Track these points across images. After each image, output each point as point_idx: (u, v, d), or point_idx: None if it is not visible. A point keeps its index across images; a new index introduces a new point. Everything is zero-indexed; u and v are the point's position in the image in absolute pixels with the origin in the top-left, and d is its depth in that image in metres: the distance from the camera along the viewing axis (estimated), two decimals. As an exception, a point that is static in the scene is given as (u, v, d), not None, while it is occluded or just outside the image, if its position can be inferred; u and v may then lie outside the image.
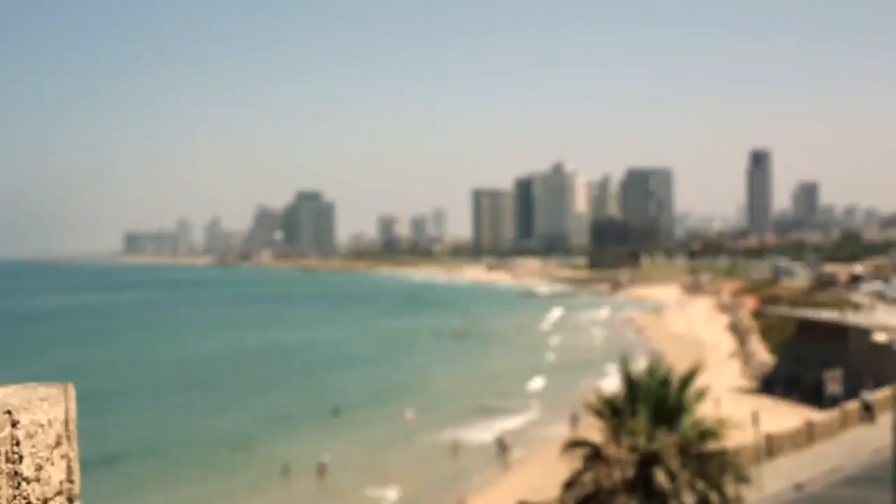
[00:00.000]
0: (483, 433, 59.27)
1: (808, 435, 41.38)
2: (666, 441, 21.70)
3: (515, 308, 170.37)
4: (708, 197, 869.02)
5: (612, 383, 55.59)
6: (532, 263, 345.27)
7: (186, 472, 51.24)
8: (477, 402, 70.81)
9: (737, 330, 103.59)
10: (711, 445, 22.39)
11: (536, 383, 79.54)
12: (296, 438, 58.85)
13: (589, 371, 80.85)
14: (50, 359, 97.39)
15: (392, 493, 46.72)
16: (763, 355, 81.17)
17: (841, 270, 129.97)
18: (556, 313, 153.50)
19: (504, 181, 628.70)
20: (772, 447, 38.71)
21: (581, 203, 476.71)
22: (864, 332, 61.01)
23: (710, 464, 22.04)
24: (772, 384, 68.53)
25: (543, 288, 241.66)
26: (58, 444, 2.50)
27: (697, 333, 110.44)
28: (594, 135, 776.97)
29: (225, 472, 51.43)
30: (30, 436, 2.41)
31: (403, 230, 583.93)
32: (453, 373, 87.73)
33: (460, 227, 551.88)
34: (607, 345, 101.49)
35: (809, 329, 71.18)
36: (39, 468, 2.44)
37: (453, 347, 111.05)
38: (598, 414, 23.32)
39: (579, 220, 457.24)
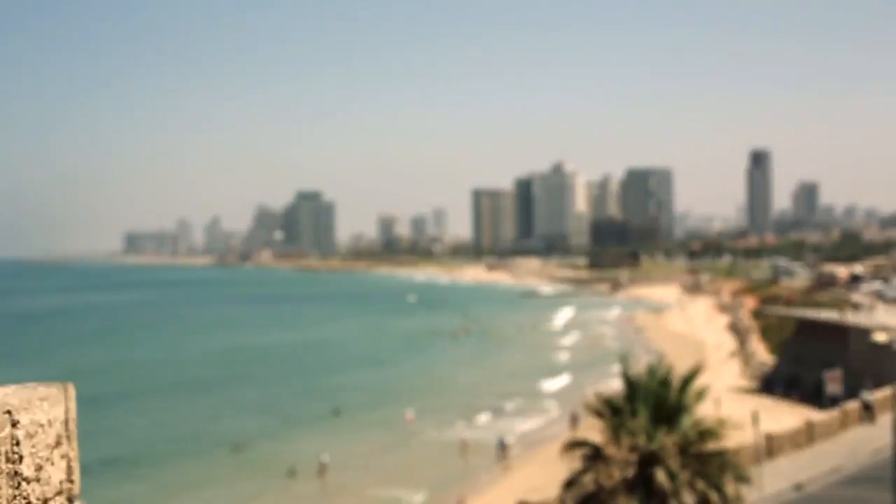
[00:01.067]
0: (490, 434, 58.71)
1: (808, 435, 41.36)
2: (666, 441, 21.70)
3: (518, 308, 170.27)
4: (708, 197, 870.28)
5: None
6: (532, 263, 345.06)
7: (191, 474, 51.17)
8: (483, 402, 70.24)
9: (737, 330, 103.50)
10: (711, 445, 22.37)
11: (551, 384, 78.80)
12: (297, 439, 58.84)
13: (603, 371, 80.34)
14: (50, 359, 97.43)
15: (419, 497, 46.34)
16: (763, 355, 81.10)
17: (841, 270, 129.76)
18: (564, 313, 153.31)
19: (504, 181, 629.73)
20: (772, 447, 38.69)
21: (581, 203, 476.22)
22: (864, 332, 60.93)
23: (710, 464, 22.03)
24: (772, 384, 68.48)
25: (546, 288, 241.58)
26: (58, 444, 2.51)
27: (697, 333, 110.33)
28: (594, 135, 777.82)
29: (230, 473, 51.31)
30: (30, 436, 2.41)
31: (403, 230, 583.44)
32: (457, 373, 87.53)
33: (460, 227, 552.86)
34: (620, 345, 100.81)
35: (809, 329, 71.13)
36: (39, 468, 2.44)
37: (457, 347, 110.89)
38: (598, 414, 23.30)
39: (579, 220, 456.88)
